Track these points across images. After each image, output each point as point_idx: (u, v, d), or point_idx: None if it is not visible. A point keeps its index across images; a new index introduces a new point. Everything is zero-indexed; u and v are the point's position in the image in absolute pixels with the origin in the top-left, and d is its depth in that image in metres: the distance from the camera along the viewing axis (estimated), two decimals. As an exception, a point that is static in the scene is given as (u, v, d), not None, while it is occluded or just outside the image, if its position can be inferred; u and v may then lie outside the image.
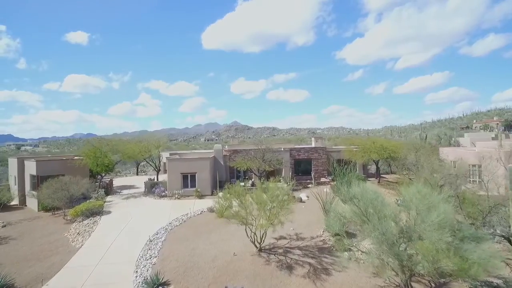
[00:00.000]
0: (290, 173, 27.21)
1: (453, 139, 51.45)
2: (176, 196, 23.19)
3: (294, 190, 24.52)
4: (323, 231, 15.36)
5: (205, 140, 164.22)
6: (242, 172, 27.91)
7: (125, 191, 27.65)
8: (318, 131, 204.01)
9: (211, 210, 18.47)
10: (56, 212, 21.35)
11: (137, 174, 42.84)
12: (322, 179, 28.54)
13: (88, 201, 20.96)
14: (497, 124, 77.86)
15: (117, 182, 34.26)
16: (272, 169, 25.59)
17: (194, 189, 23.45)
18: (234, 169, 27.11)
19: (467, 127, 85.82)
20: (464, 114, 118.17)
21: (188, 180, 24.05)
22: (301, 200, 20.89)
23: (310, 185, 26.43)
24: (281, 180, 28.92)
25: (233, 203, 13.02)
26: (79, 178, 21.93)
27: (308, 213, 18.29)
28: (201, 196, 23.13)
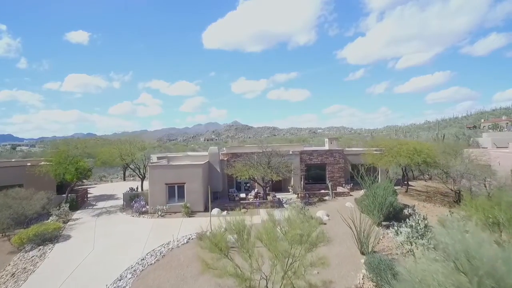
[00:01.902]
0: (302, 183, 22.29)
1: (471, 139, 47.01)
2: (159, 212, 18.30)
3: (308, 204, 19.74)
4: (363, 277, 10.50)
5: (204, 140, 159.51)
6: (243, 181, 23.08)
7: (101, 203, 22.77)
8: (318, 130, 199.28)
9: (201, 237, 13.58)
10: (5, 234, 16.52)
11: (124, 180, 37.98)
12: (339, 189, 23.64)
13: (41, 223, 16.10)
14: (507, 123, 73.73)
15: (98, 190, 29.43)
16: (280, 179, 20.67)
17: (182, 203, 18.55)
18: (233, 177, 22.20)
19: (474, 126, 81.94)
20: (469, 113, 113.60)
21: (175, 192, 19.13)
22: (321, 221, 15.97)
23: (327, 197, 21.51)
24: (290, 190, 24.14)
25: (229, 237, 8.26)
26: (32, 190, 17.12)
27: (334, 242, 13.39)
28: (190, 213, 18.24)
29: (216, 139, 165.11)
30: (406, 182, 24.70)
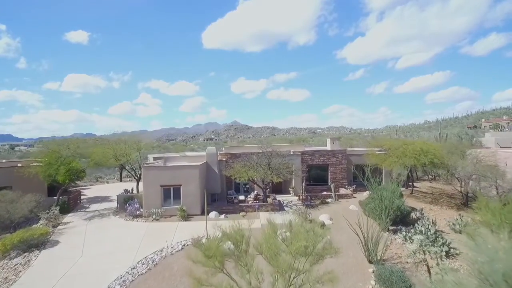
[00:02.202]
0: (303, 184, 21.41)
1: (474, 139, 46.39)
2: (154, 216, 17.42)
3: (310, 206, 18.87)
4: (372, 289, 9.64)
5: (204, 140, 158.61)
6: (242, 182, 22.21)
7: (94, 206, 21.89)
8: (318, 130, 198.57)
9: (196, 243, 12.69)
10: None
11: (121, 181, 37.09)
12: (342, 190, 22.77)
13: (28, 227, 15.23)
14: (508, 123, 73.17)
15: (92, 191, 28.52)
16: (280, 180, 19.79)
17: (178, 206, 17.67)
18: (232, 179, 21.31)
19: (475, 126, 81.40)
20: (469, 113, 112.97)
21: (171, 194, 18.26)
22: (323, 225, 15.08)
23: (329, 199, 20.64)
24: (291, 192, 23.28)
25: (226, 245, 7.43)
26: (19, 193, 16.25)
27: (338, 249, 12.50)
28: (186, 216, 17.37)
29: (216, 139, 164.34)
30: (411, 184, 23.86)
